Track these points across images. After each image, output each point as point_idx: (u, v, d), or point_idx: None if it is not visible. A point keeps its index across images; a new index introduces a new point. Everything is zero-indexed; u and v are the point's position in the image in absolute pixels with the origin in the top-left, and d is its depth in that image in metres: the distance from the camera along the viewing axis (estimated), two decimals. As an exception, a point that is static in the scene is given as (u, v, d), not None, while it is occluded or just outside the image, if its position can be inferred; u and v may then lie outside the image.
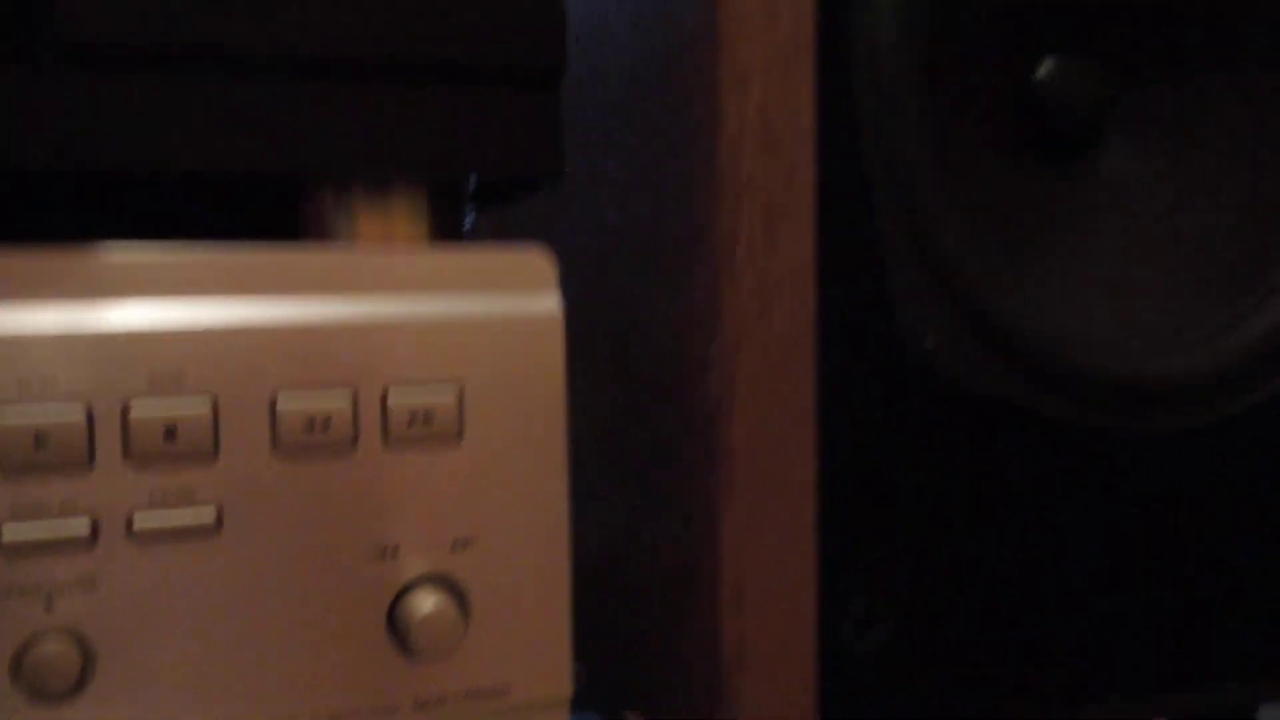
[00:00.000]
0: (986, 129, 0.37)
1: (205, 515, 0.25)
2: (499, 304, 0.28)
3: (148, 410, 0.25)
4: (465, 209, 0.31)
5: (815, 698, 0.31)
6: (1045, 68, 0.38)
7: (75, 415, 0.24)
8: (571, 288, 0.38)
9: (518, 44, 0.27)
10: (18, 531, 0.24)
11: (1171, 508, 0.37)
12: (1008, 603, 0.35)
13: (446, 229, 0.30)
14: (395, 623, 0.27)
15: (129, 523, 0.25)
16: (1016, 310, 0.34)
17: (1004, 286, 0.34)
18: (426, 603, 0.27)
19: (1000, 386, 0.34)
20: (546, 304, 0.28)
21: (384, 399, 0.27)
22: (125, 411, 0.24)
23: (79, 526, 0.24)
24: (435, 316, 0.27)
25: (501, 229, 0.42)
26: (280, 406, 0.26)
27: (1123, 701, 0.36)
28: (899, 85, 0.31)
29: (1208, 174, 0.38)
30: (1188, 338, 0.37)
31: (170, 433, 0.25)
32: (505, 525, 0.28)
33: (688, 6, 0.31)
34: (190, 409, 0.25)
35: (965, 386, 0.33)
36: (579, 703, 0.39)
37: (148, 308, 0.25)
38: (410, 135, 0.27)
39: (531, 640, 0.28)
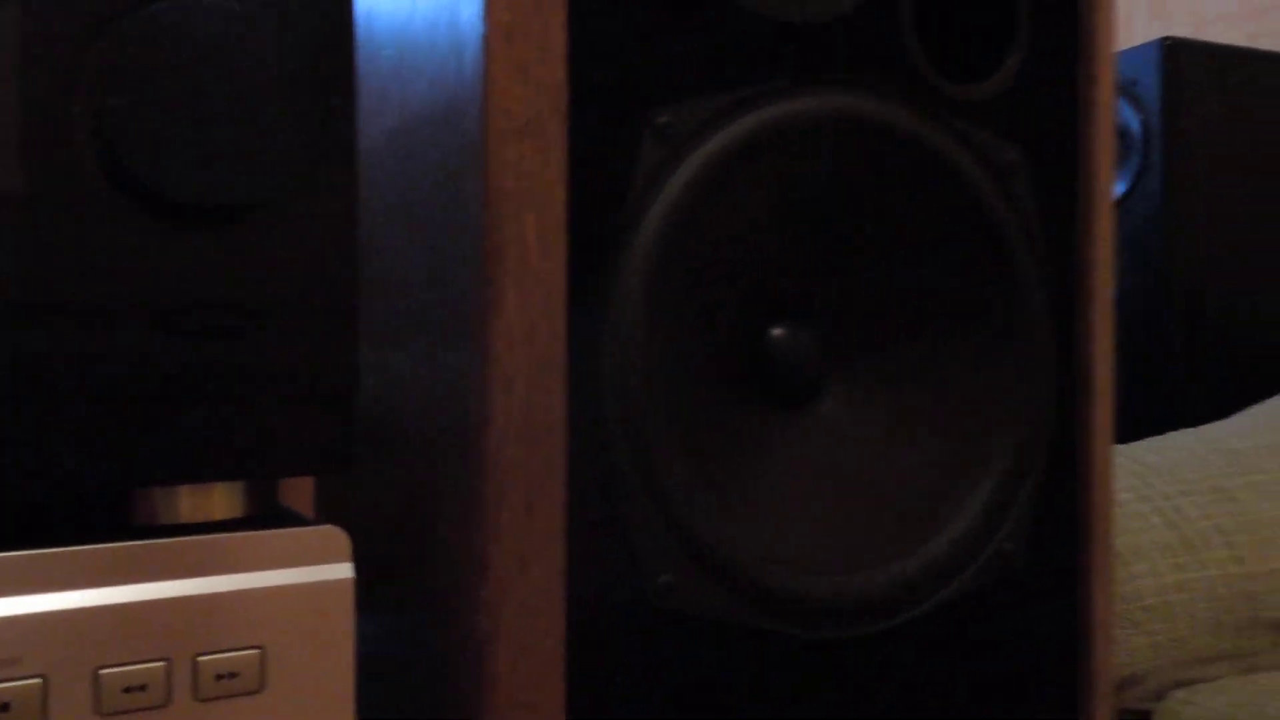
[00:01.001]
0: (721, 387, 0.45)
1: (34, 773, 0.30)
2: (298, 576, 0.34)
3: (-13, 690, 0.30)
4: (275, 487, 0.37)
5: None
6: (774, 334, 0.47)
7: (-77, 699, 0.29)
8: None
9: (317, 373, 0.34)
10: None
11: (877, 695, 0.45)
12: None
13: (260, 503, 0.36)
14: None
15: (-34, 785, 0.30)
16: (735, 546, 0.42)
17: (728, 526, 0.42)
18: (225, 836, 0.32)
19: (723, 610, 0.41)
20: (339, 573, 0.35)
21: (195, 663, 0.33)
22: (-33, 692, 0.30)
23: (-78, 792, 0.29)
24: (242, 591, 0.33)
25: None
26: (102, 674, 0.31)
27: None
28: (632, 352, 0.39)
29: (900, 425, 0.48)
30: (887, 553, 0.45)
31: (5, 707, 0.30)
32: (298, 761, 0.34)
33: (471, 325, 0.38)
34: (21, 686, 0.30)
35: (695, 613, 0.41)
36: None
37: (-8, 604, 0.30)
38: (224, 451, 0.33)
39: None
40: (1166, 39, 1.41)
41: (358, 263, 0.33)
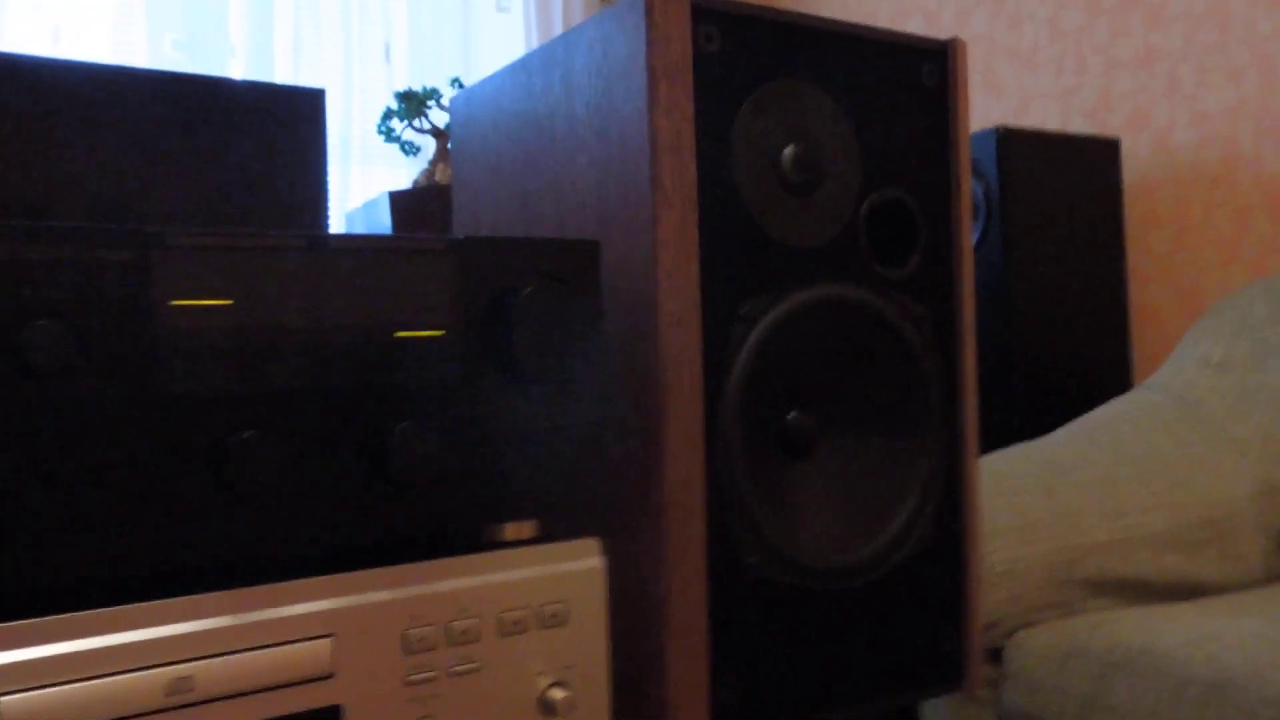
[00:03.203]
0: (768, 445, 0.78)
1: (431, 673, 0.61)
2: (579, 565, 0.66)
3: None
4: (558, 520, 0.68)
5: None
6: (789, 417, 0.80)
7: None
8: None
9: (580, 468, 0.65)
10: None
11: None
12: (766, 664, 0.76)
13: (551, 527, 0.67)
14: (544, 703, 0.63)
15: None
16: (783, 537, 0.75)
17: (779, 526, 0.75)
18: (558, 694, 0.63)
19: (781, 576, 0.75)
20: (598, 563, 0.66)
21: (539, 608, 0.64)
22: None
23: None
24: (556, 572, 0.65)
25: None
26: (502, 615, 0.62)
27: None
28: (734, 435, 0.72)
29: (864, 465, 0.82)
30: (857, 541, 0.79)
31: (466, 632, 0.61)
32: (582, 662, 0.65)
33: (651, 431, 0.70)
34: (466, 624, 0.61)
35: (765, 577, 0.74)
36: None
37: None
38: (533, 504, 0.64)
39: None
40: (1000, 128, 1.78)
41: (602, 411, 0.65)
